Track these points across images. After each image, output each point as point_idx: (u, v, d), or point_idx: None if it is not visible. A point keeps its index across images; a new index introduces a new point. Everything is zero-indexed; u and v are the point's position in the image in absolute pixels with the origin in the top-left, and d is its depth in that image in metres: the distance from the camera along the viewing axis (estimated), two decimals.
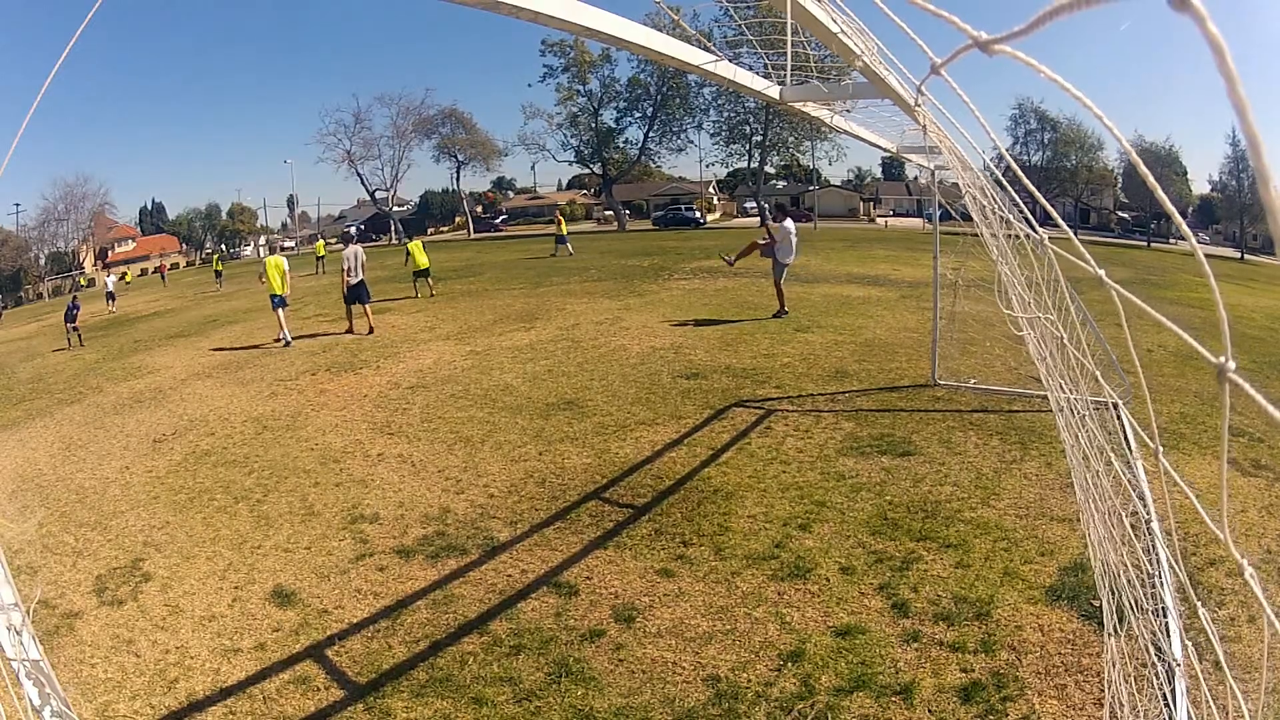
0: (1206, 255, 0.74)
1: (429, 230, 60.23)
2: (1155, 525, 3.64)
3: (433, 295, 15.68)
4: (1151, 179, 0.71)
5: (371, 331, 11.48)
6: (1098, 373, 2.14)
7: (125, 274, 40.93)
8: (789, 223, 10.73)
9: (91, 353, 13.55)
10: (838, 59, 3.81)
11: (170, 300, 24.99)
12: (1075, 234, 1.35)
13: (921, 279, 14.40)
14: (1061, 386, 2.46)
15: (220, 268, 31.39)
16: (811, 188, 53.49)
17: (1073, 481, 2.82)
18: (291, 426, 6.99)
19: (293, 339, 11.42)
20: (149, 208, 65.07)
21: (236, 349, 11.77)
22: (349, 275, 11.42)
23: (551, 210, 62.31)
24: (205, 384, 9.20)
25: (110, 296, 24.04)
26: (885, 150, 7.02)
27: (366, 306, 11.62)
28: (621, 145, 52.05)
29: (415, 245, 16.08)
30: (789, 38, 3.71)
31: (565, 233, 25.90)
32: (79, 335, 15.22)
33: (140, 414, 8.05)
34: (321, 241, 35.55)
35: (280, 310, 11.34)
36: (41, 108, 1.68)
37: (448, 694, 3.08)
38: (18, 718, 1.49)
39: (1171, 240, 43.78)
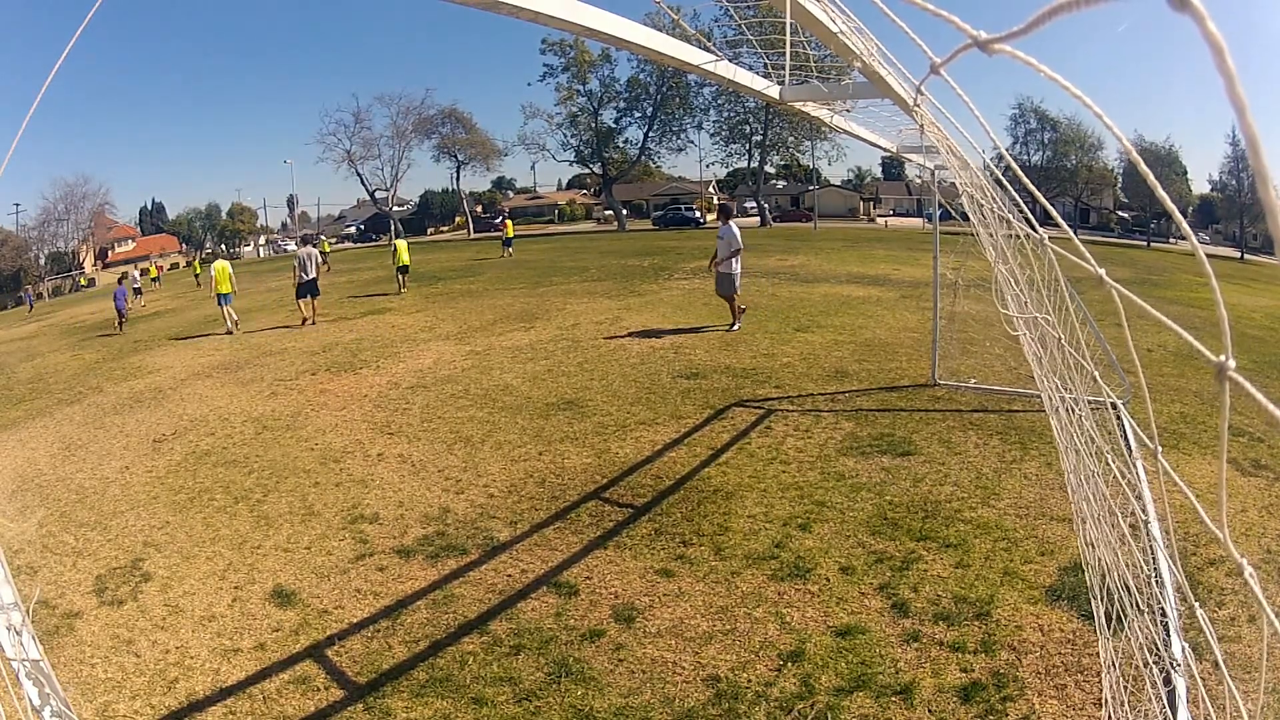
0: (1206, 255, 0.74)
1: (429, 230, 60.27)
2: (1154, 525, 3.64)
3: (405, 290, 16.94)
4: (1152, 178, 0.70)
5: (313, 323, 13.13)
6: (1096, 373, 2.14)
7: (149, 269, 40.45)
8: (733, 225, 9.80)
9: (91, 353, 13.55)
10: (838, 59, 3.81)
11: (170, 300, 24.97)
12: (1075, 234, 1.35)
13: (921, 279, 14.40)
14: (1058, 387, 2.46)
15: (200, 270, 30.55)
16: (811, 188, 53.50)
17: (1068, 482, 2.83)
18: (291, 426, 6.99)
19: (239, 329, 13.31)
20: (149, 208, 65.12)
21: (191, 337, 13.45)
22: (302, 273, 13.06)
23: (552, 209, 62.46)
24: (205, 384, 9.20)
25: (137, 292, 23.87)
26: (885, 150, 7.03)
27: (314, 301, 13.34)
28: (621, 145, 52.05)
29: (402, 244, 17.53)
30: (789, 38, 3.71)
31: (511, 236, 28.81)
32: (122, 322, 16.67)
33: (140, 414, 8.05)
34: (325, 240, 35.80)
35: (227, 306, 13.42)
36: (41, 108, 1.68)
37: (448, 694, 3.08)
38: (18, 718, 1.49)
39: (1171, 240, 43.80)
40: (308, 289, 13.20)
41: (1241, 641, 3.13)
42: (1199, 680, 2.42)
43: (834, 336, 9.48)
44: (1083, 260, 1.23)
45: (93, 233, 55.00)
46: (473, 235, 52.59)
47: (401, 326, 12.24)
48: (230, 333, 13.09)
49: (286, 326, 13.38)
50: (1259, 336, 11.53)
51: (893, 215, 55.01)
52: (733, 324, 10.06)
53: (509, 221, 30.70)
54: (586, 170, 56.76)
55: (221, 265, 13.63)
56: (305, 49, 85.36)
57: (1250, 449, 5.31)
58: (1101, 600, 2.43)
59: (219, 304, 13.49)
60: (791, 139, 49.34)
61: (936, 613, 3.42)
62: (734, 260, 9.73)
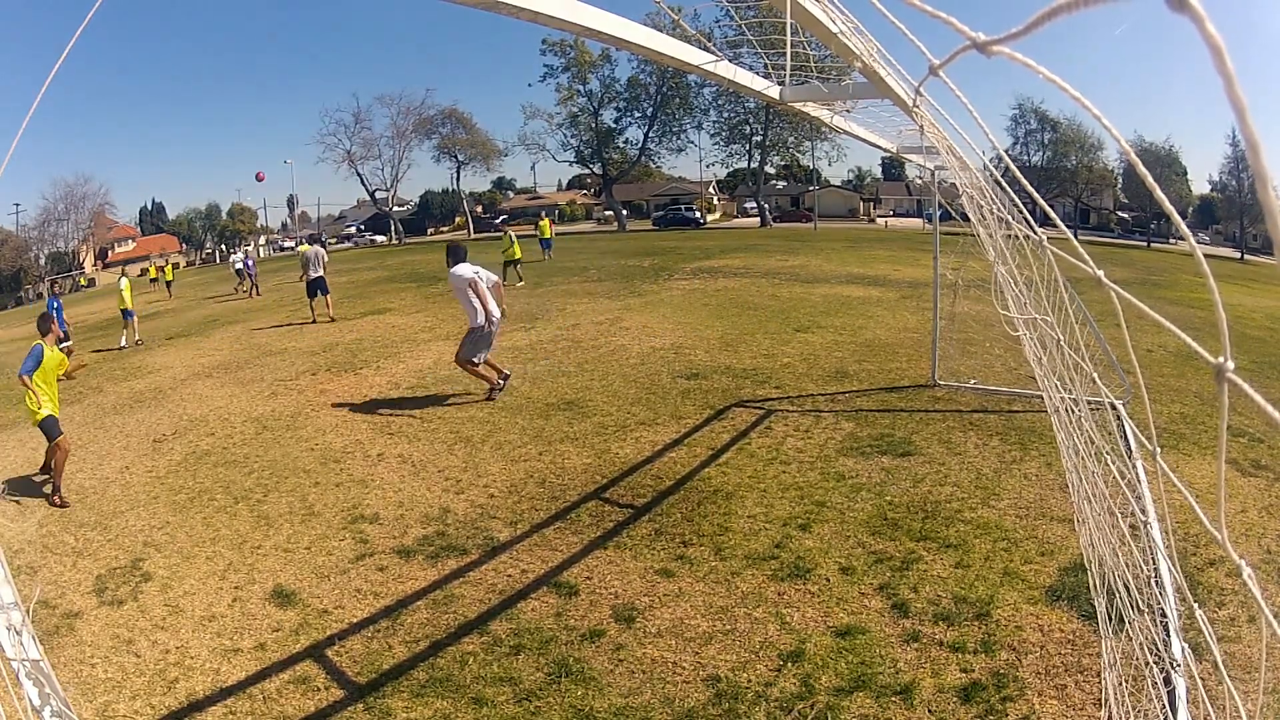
0: (1206, 255, 0.74)
1: (429, 230, 60.27)
2: (1154, 526, 3.64)
3: (520, 282, 16.60)
4: (1150, 180, 0.71)
5: (331, 319, 13.34)
6: (1095, 374, 2.14)
7: (149, 269, 40.04)
8: (463, 268, 7.04)
9: (91, 353, 13.55)
10: (838, 59, 3.81)
11: (171, 300, 24.96)
12: (1075, 234, 1.35)
13: (921, 279, 14.40)
14: (1058, 387, 2.46)
15: (155, 275, 29.34)
16: (811, 188, 53.51)
17: (1069, 482, 2.83)
18: (291, 426, 6.99)
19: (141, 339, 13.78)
20: (149, 208, 65.04)
21: (103, 350, 13.41)
22: (310, 271, 13.61)
23: (551, 210, 62.50)
24: (205, 384, 9.20)
25: (241, 274, 22.88)
26: (885, 150, 7.02)
27: (327, 298, 13.69)
28: (621, 145, 52.07)
29: (514, 239, 17.56)
30: (789, 38, 3.71)
31: (549, 237, 25.74)
32: (256, 287, 19.94)
33: (140, 414, 8.05)
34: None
35: (132, 319, 13.87)
36: (41, 108, 1.69)
37: (448, 694, 3.08)
38: (18, 718, 1.49)
39: (1171, 240, 43.77)
40: (316, 286, 13.58)
41: (1241, 642, 3.13)
42: (1199, 680, 2.42)
43: (834, 337, 9.48)
44: (1082, 261, 1.24)
45: (93, 233, 54.96)
46: (473, 235, 52.59)
47: (402, 326, 12.24)
48: (141, 343, 13.54)
49: (288, 325, 13.45)
50: (1259, 337, 11.53)
51: (893, 216, 54.99)
52: (489, 391, 7.29)
53: (547, 220, 27.55)
54: (586, 170, 56.79)
55: (126, 283, 14.84)
56: (305, 49, 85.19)
57: (1250, 449, 5.31)
58: (1102, 600, 2.43)
59: (125, 318, 14.01)
60: (792, 139, 49.39)
61: (936, 613, 3.42)
62: (473, 314, 6.97)
